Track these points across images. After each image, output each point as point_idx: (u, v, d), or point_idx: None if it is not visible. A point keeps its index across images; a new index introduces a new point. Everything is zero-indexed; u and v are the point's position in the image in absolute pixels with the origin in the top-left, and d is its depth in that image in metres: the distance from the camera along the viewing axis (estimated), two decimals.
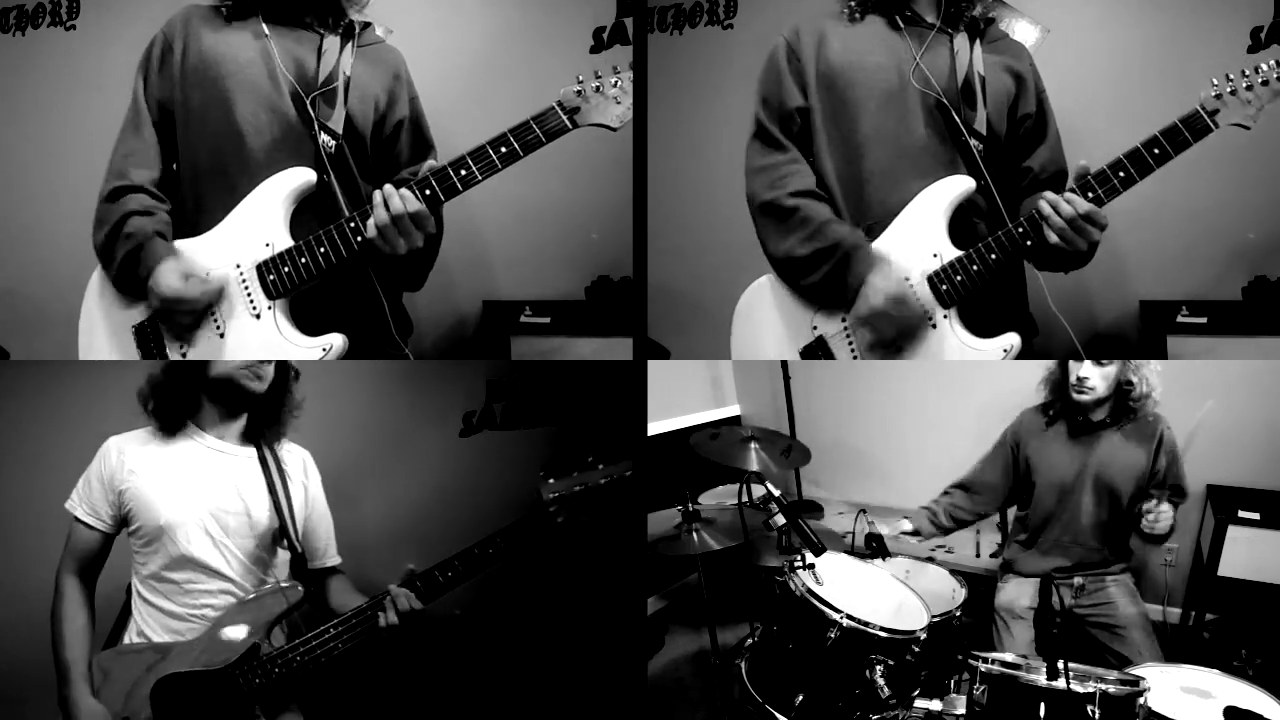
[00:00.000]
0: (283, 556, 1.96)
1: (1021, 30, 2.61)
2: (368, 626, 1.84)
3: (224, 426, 1.96)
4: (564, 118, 2.00)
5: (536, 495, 1.88)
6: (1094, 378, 2.43)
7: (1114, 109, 2.58)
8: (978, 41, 2.16)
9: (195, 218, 2.10)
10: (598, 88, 2.00)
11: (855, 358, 2.17)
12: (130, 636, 1.90)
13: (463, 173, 1.99)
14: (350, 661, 2.35)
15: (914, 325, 2.10)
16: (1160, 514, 2.34)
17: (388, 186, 1.98)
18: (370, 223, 1.97)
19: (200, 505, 1.88)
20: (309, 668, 1.84)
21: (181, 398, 1.93)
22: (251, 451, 1.97)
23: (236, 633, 1.84)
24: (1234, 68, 1.99)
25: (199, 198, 2.11)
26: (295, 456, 2.06)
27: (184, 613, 1.87)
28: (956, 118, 2.10)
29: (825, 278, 2.14)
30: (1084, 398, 2.45)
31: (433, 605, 1.87)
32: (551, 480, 1.89)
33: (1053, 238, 1.99)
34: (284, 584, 1.92)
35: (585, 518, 1.90)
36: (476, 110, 2.63)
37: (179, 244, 2.07)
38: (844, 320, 2.18)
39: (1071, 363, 2.47)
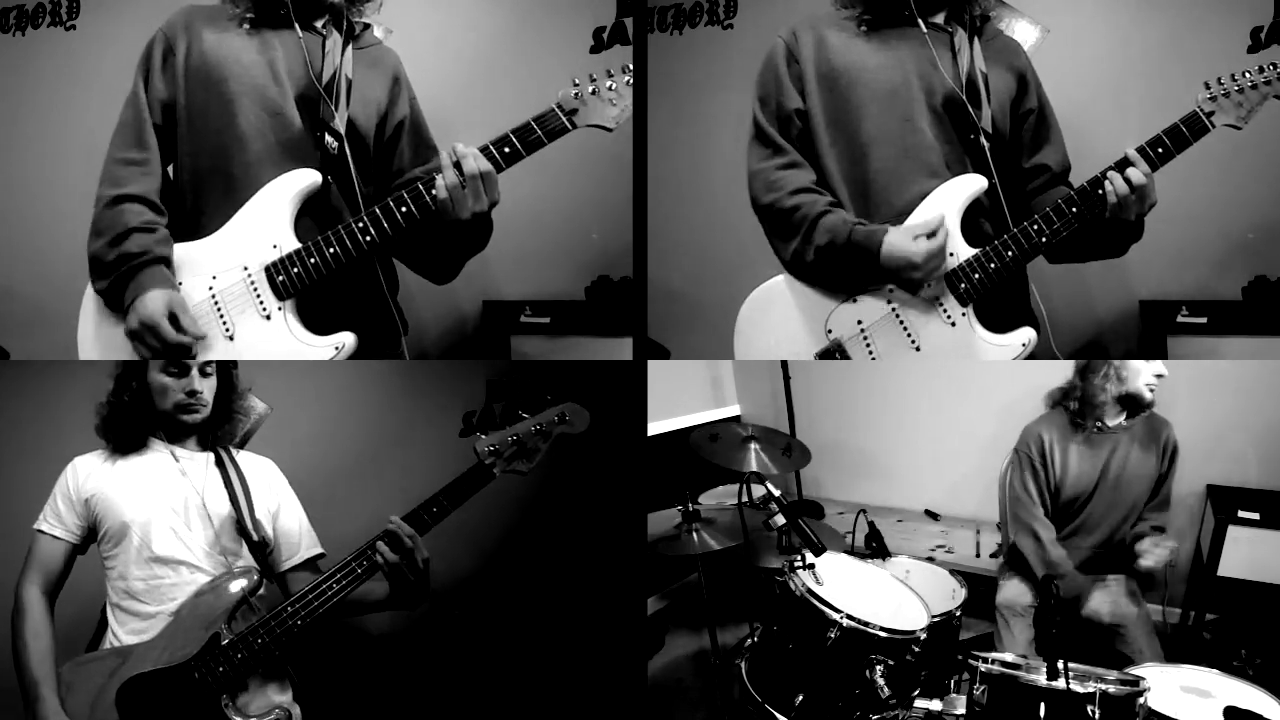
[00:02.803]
0: (245, 548, 1.97)
1: (1021, 30, 2.62)
2: (323, 598, 1.85)
3: (179, 441, 2.00)
4: (563, 119, 2.03)
5: (472, 450, 1.97)
6: (1164, 371, 2.44)
7: (1114, 108, 2.58)
8: (976, 39, 2.16)
9: (194, 219, 2.10)
10: (594, 90, 2.03)
11: (873, 358, 2.17)
12: (103, 648, 1.90)
13: None
14: (345, 657, 2.34)
15: (943, 260, 2.09)
16: (1165, 546, 2.39)
17: (458, 146, 1.98)
18: (439, 182, 1.98)
19: (161, 502, 1.91)
20: (273, 648, 1.84)
21: (129, 428, 1.96)
22: (209, 455, 2.00)
23: (195, 624, 1.84)
24: (1234, 67, 2.01)
25: (198, 199, 2.11)
26: (257, 463, 2.07)
27: (154, 610, 1.87)
28: (969, 114, 2.10)
29: (843, 266, 2.14)
30: (1152, 393, 2.46)
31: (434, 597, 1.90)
32: (484, 435, 1.98)
33: (1112, 199, 2.00)
34: (239, 569, 1.92)
35: (521, 467, 1.98)
36: (477, 109, 2.64)
37: (186, 247, 2.07)
38: (859, 322, 2.17)
39: (1136, 364, 2.45)
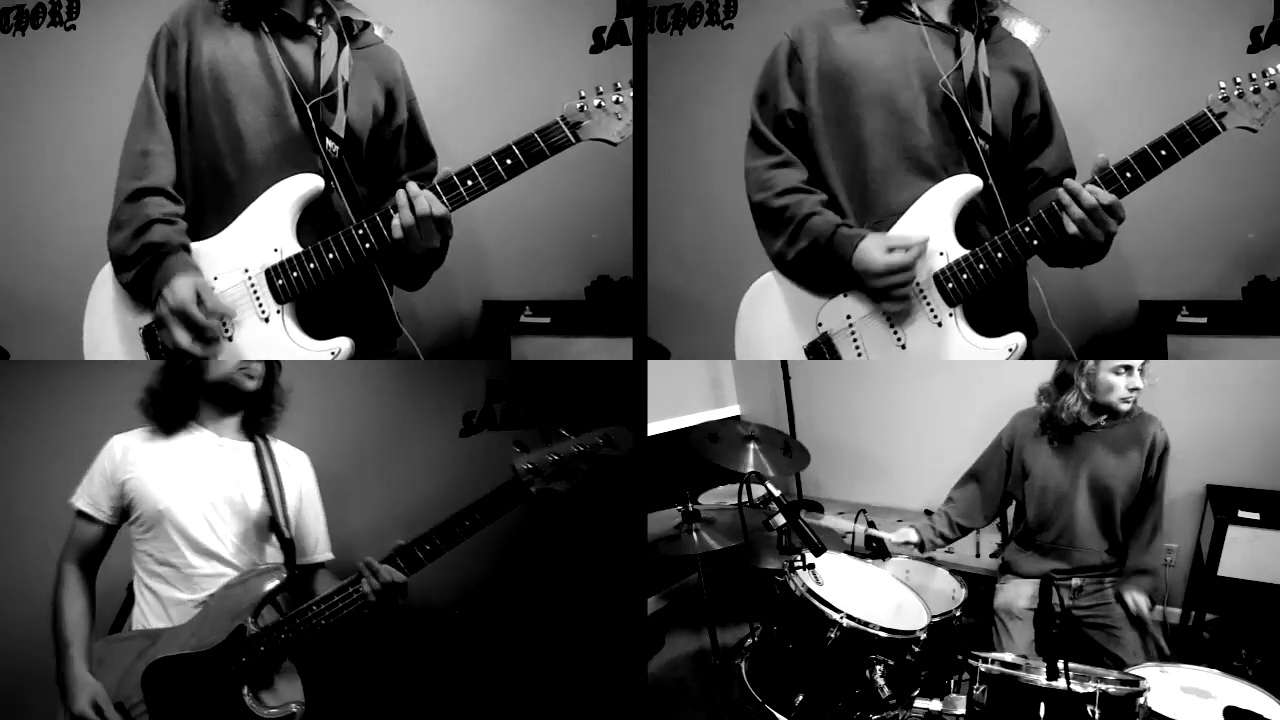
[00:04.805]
0: (275, 543, 2.01)
1: (1022, 30, 2.61)
2: (348, 601, 1.88)
3: (222, 423, 2.03)
4: (567, 132, 2.02)
5: (510, 467, 1.93)
6: (1140, 385, 2.43)
7: (1115, 108, 2.58)
8: (982, 41, 2.14)
9: (195, 217, 2.10)
10: (599, 104, 2.03)
11: (860, 355, 2.17)
12: (131, 628, 1.94)
13: (469, 183, 2.01)
14: (348, 657, 2.35)
15: (911, 277, 2.07)
16: (1138, 601, 2.42)
17: (412, 186, 1.99)
18: (395, 222, 1.99)
19: (198, 491, 1.94)
20: (293, 645, 1.89)
21: (179, 402, 1.99)
22: (249, 446, 2.04)
23: (223, 615, 1.88)
24: (1234, 67, 1.98)
25: (198, 197, 2.11)
26: (292, 455, 2.11)
27: (184, 598, 1.91)
28: (964, 118, 2.09)
29: (822, 268, 2.15)
30: (1128, 406, 2.45)
31: (436, 598, 1.90)
32: (524, 453, 1.95)
33: (1071, 228, 1.97)
34: (269, 566, 1.96)
35: (559, 486, 1.95)
36: (478, 110, 2.64)
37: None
38: (848, 317, 2.17)
39: (1110, 379, 2.43)
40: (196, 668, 1.85)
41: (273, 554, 2.00)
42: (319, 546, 2.11)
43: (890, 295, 2.10)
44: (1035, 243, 2.04)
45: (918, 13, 2.15)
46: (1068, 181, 1.99)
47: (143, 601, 1.93)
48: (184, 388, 1.99)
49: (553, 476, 1.95)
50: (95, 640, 1.92)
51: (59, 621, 1.91)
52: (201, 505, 1.93)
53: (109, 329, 2.10)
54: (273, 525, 1.98)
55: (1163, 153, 1.96)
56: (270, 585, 1.91)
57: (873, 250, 2.07)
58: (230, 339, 2.05)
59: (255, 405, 2.04)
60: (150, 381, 2.00)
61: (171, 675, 1.85)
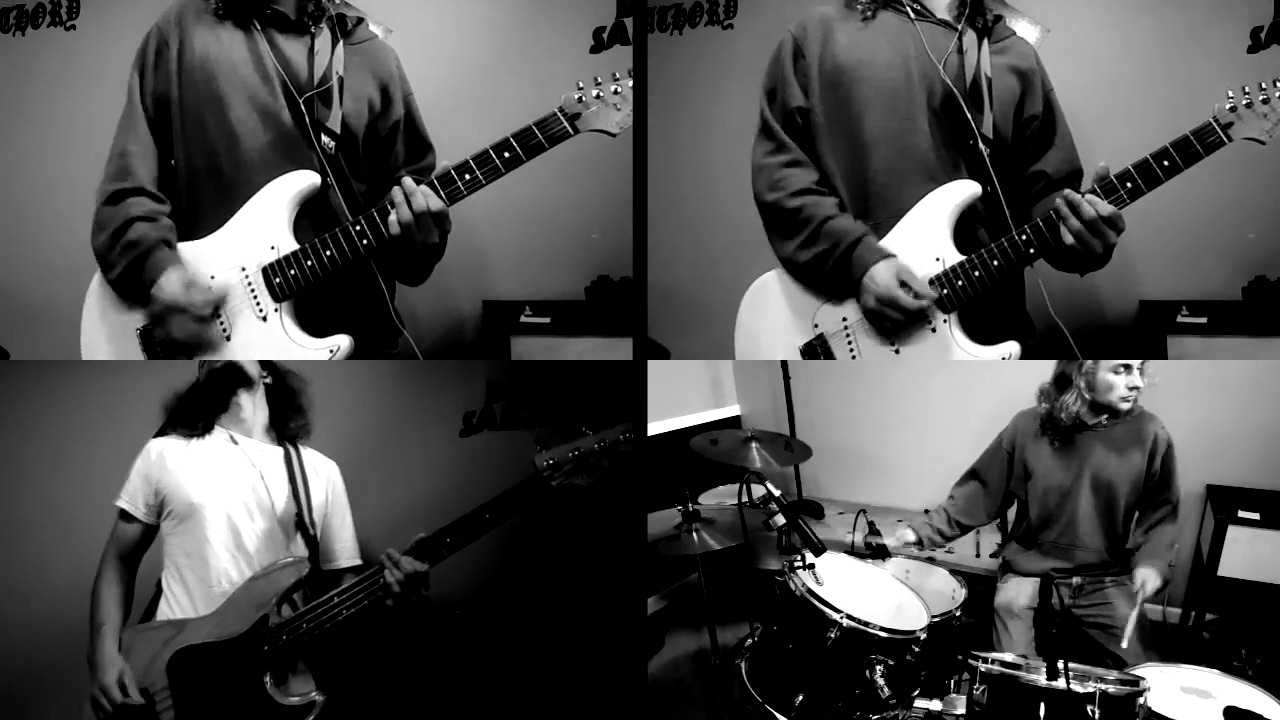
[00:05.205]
0: (300, 542, 2.06)
1: (1021, 30, 2.61)
2: (369, 591, 1.92)
3: (250, 428, 2.08)
4: (565, 123, 2.01)
5: (531, 464, 1.97)
6: (1140, 384, 2.43)
7: (1115, 109, 2.58)
8: (985, 40, 2.13)
9: (191, 216, 2.10)
10: (598, 94, 2.02)
11: (854, 357, 2.17)
12: (158, 619, 1.98)
13: (467, 177, 2.00)
14: (356, 656, 2.36)
15: (914, 319, 2.08)
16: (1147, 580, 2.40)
17: (408, 182, 1.99)
18: (392, 218, 1.99)
19: (228, 489, 2.00)
20: (315, 634, 1.92)
21: (197, 408, 2.05)
22: (278, 450, 2.09)
23: (248, 605, 1.92)
24: (1235, 68, 1.97)
25: (193, 196, 2.11)
26: (321, 463, 2.17)
27: (210, 590, 1.95)
28: (967, 118, 2.08)
29: (830, 274, 2.15)
30: (1128, 405, 2.45)
31: (436, 597, 1.97)
32: (545, 449, 1.99)
33: (1069, 239, 1.96)
34: (292, 560, 1.99)
35: (581, 480, 1.99)
36: (477, 110, 2.63)
37: (183, 247, 2.07)
38: (844, 320, 2.17)
39: (1110, 378, 2.43)
40: (220, 656, 1.89)
41: (299, 549, 2.05)
42: (346, 552, 2.15)
43: (879, 320, 2.10)
44: (1032, 251, 2.04)
45: (920, 9, 2.15)
46: (1067, 192, 1.97)
47: (170, 593, 1.97)
48: (202, 395, 2.04)
49: (574, 471, 1.98)
50: (125, 630, 1.96)
51: (96, 605, 1.96)
52: (231, 502, 1.98)
53: (106, 331, 2.10)
54: (299, 524, 2.03)
55: (1165, 163, 1.93)
56: (294, 578, 1.95)
57: (885, 276, 2.06)
58: (228, 338, 2.05)
59: (283, 410, 2.11)
60: (177, 388, 2.06)
61: (196, 663, 1.89)
